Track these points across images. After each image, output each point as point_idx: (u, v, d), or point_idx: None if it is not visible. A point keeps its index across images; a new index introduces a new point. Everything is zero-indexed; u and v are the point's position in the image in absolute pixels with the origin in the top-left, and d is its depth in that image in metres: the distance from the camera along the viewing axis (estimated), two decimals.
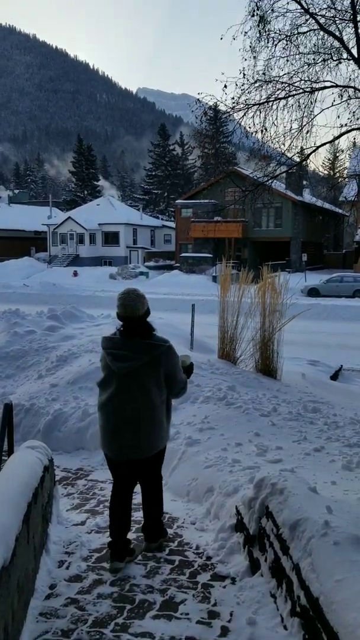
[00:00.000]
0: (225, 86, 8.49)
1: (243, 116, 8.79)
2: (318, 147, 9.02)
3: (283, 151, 9.06)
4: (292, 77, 8.69)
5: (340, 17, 8.37)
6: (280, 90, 8.63)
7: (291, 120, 8.81)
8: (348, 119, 8.93)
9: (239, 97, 8.59)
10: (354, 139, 10.66)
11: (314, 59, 8.56)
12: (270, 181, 9.35)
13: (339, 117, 9.01)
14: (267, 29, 8.53)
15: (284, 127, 8.88)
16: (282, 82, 8.65)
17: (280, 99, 8.65)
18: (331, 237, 47.13)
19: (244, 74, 8.60)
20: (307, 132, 8.83)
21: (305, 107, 8.68)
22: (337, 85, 8.64)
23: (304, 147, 9.01)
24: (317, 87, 8.65)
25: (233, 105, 8.66)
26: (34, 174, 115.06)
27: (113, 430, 3.58)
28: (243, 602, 3.12)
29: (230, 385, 7.40)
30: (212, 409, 6.48)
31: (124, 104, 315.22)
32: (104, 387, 3.65)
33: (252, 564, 3.43)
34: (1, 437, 4.10)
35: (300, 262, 39.68)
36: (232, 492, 4.17)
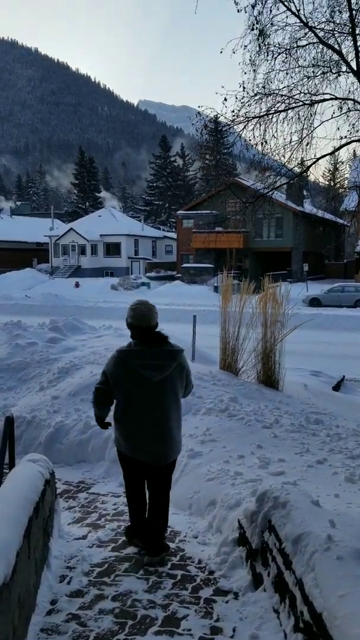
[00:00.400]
0: (226, 99, 8.52)
1: (243, 129, 8.83)
2: (318, 159, 9.05)
3: (283, 163, 9.10)
4: (291, 90, 8.73)
5: (339, 30, 8.43)
6: (280, 103, 8.68)
7: (291, 133, 8.84)
8: (348, 130, 8.97)
9: (239, 110, 8.63)
10: (354, 150, 10.71)
11: (313, 72, 8.61)
12: (271, 192, 9.38)
13: (338, 129, 9.05)
14: (266, 43, 8.58)
15: (284, 139, 8.91)
16: (282, 95, 8.70)
17: (280, 111, 8.69)
18: (332, 247, 47.21)
19: (244, 87, 8.64)
20: (307, 144, 8.86)
21: (305, 119, 8.72)
22: (336, 98, 8.69)
23: (304, 159, 9.05)
24: (316, 99, 8.69)
25: (233, 118, 8.71)
26: (36, 185, 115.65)
27: (147, 436, 3.76)
28: (246, 617, 3.09)
29: (232, 396, 7.38)
30: (214, 421, 6.46)
31: (125, 116, 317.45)
32: (129, 396, 3.78)
33: (255, 579, 3.40)
34: (2, 450, 4.09)
35: (302, 272, 39.73)
36: (235, 505, 4.15)
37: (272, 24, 8.52)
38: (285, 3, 8.32)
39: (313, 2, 8.99)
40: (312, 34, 8.48)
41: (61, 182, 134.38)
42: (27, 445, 6.71)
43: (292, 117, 8.77)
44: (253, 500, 3.63)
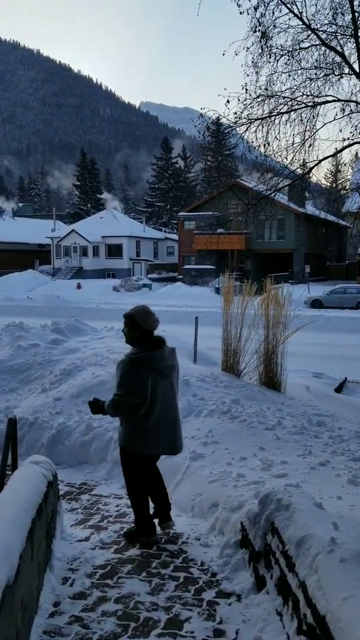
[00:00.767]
0: (228, 101, 8.55)
1: (246, 131, 8.86)
2: (320, 161, 9.07)
3: (286, 164, 9.11)
4: (294, 91, 8.75)
5: (341, 32, 8.44)
6: (282, 105, 8.69)
7: (293, 134, 8.86)
8: (350, 132, 8.98)
9: (241, 112, 8.66)
10: (357, 152, 10.72)
11: (315, 74, 8.63)
12: (273, 194, 9.39)
13: (341, 130, 9.06)
14: (269, 45, 8.60)
15: (287, 141, 8.93)
16: (285, 97, 8.71)
17: (283, 113, 8.71)
18: (335, 249, 47.21)
19: (247, 89, 8.66)
20: (310, 145, 8.88)
21: (307, 121, 8.74)
22: (339, 100, 8.70)
23: (307, 161, 9.06)
24: (319, 101, 8.70)
25: (236, 120, 8.73)
26: (38, 187, 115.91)
27: (166, 430, 4.09)
28: (249, 620, 3.09)
29: (234, 398, 7.38)
30: (216, 423, 6.46)
31: (127, 117, 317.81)
32: (154, 398, 3.99)
33: (258, 581, 3.40)
34: (5, 452, 4.10)
35: (303, 273, 39.73)
36: (237, 508, 4.14)
37: (274, 26, 8.54)
38: (288, 5, 8.34)
39: (316, 4, 9.03)
40: (315, 36, 8.49)
41: (63, 183, 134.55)
42: (30, 447, 6.71)
43: (294, 119, 8.79)
44: (256, 503, 3.63)
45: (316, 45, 8.60)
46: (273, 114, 8.75)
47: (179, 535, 4.37)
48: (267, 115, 8.76)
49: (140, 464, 4.19)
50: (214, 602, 3.33)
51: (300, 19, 8.40)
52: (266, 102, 8.78)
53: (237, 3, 8.35)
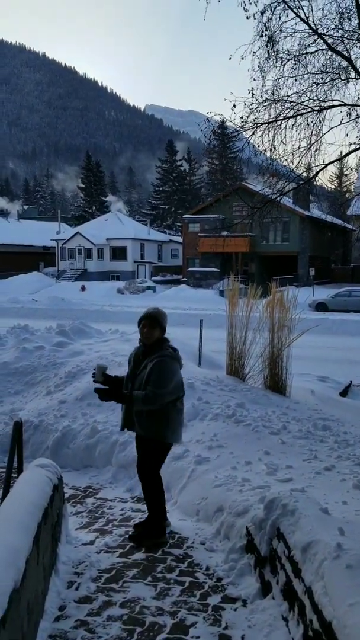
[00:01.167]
0: (234, 105, 8.57)
1: (252, 135, 8.87)
2: (326, 165, 9.09)
3: (292, 168, 9.12)
4: (300, 96, 8.78)
5: (348, 37, 8.46)
6: (288, 109, 8.72)
7: (300, 139, 8.89)
8: (356, 136, 9.02)
9: (247, 116, 8.69)
10: None
11: (322, 79, 8.64)
12: (279, 198, 9.40)
13: (347, 135, 9.10)
14: (275, 49, 8.62)
15: (293, 145, 8.97)
16: (291, 101, 8.73)
17: (289, 117, 8.72)
18: (340, 252, 47.13)
19: (253, 94, 8.70)
20: (316, 150, 8.90)
21: (313, 125, 8.76)
22: (345, 104, 8.71)
23: (312, 165, 9.07)
24: (325, 106, 8.72)
25: (242, 124, 8.74)
26: (43, 189, 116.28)
27: (183, 422, 4.43)
28: (254, 625, 3.08)
29: (239, 402, 7.36)
30: (221, 427, 6.45)
31: (132, 120, 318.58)
32: (183, 391, 4.33)
33: (264, 586, 3.39)
34: (11, 454, 4.10)
35: (308, 276, 39.66)
36: (242, 512, 4.14)
37: (281, 30, 8.58)
38: (295, 10, 8.36)
39: (322, 9, 9.07)
40: (321, 41, 8.51)
41: (68, 186, 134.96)
42: (35, 450, 6.72)
43: (300, 123, 8.82)
44: (261, 508, 3.63)
45: (322, 49, 8.63)
46: (279, 118, 8.77)
47: (184, 540, 4.37)
48: (274, 119, 8.78)
49: (164, 455, 4.39)
50: (220, 607, 3.33)
51: (307, 23, 8.43)
52: (272, 106, 8.81)
53: (244, 7, 8.39)
